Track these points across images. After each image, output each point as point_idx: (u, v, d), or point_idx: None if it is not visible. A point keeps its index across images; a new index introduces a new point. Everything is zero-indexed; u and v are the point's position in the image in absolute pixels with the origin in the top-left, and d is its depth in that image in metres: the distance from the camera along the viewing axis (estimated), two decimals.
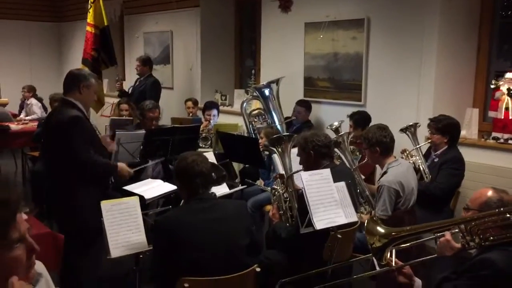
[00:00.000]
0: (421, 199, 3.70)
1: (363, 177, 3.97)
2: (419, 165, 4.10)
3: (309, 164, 3.33)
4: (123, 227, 2.80)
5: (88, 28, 7.29)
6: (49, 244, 3.00)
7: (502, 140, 4.33)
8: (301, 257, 3.11)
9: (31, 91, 8.24)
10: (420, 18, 4.69)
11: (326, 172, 2.84)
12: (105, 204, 2.79)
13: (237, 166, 5.34)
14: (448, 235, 2.13)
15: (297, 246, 3.03)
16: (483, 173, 4.30)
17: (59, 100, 3.62)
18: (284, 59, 6.07)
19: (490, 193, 2.14)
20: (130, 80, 7.74)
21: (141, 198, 3.42)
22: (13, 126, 6.96)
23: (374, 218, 2.18)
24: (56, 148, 3.33)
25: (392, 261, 2.06)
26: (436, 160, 4.09)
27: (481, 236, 1.98)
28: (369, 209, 3.53)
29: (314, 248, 3.02)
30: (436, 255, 2.18)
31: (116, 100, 6.28)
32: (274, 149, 3.62)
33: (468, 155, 4.25)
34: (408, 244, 2.15)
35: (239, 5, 7.38)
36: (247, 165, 4.93)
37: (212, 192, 2.65)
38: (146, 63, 6.75)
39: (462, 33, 4.68)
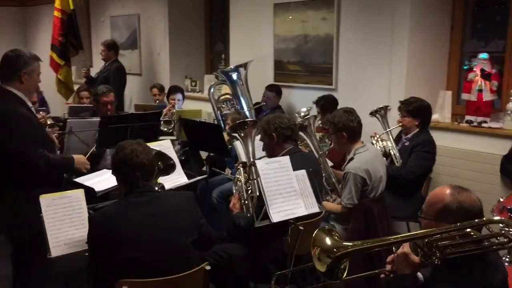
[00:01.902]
0: (392, 185, 3.55)
1: (331, 164, 3.80)
2: (389, 150, 3.95)
3: (271, 147, 3.13)
4: (66, 223, 2.56)
5: (56, 13, 7.19)
6: None
7: (475, 124, 4.18)
8: (261, 248, 2.91)
9: None
10: None
11: (285, 160, 2.63)
12: (44, 199, 2.54)
13: (204, 154, 5.11)
14: (406, 247, 1.84)
15: (257, 236, 2.82)
16: (456, 158, 4.15)
17: None
18: (254, 42, 5.83)
19: (447, 197, 1.80)
20: (98, 66, 7.43)
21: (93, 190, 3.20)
22: None
23: (326, 227, 1.98)
24: None
25: None
26: (407, 144, 3.94)
27: (442, 251, 1.72)
28: (335, 197, 3.35)
29: (275, 238, 2.83)
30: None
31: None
32: (237, 135, 3.43)
33: (441, 139, 4.11)
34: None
35: None
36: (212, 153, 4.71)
37: (159, 183, 2.43)
38: (111, 47, 6.48)
39: (435, 13, 4.49)
